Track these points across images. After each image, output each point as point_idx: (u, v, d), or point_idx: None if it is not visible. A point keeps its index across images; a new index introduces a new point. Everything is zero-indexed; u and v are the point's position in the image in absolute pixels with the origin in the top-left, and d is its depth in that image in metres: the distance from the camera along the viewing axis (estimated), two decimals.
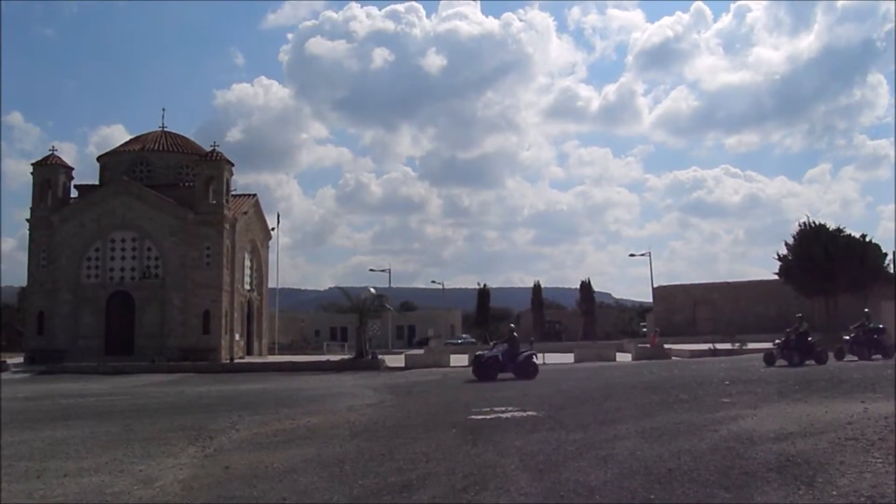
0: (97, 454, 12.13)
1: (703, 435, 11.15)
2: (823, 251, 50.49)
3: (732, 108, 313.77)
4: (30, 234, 52.60)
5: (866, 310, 32.24)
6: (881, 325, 30.79)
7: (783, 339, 29.12)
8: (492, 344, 30.79)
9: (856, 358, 28.85)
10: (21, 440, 14.06)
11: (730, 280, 74.35)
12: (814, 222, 54.56)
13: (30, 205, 52.82)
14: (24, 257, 53.52)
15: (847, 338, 30.81)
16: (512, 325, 31.26)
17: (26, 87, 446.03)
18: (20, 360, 49.49)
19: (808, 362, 27.47)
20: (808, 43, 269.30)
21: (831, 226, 54.25)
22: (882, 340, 30.11)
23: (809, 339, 28.84)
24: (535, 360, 29.26)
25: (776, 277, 56.82)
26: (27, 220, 52.73)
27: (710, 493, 7.89)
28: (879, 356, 28.78)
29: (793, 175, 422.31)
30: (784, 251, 54.67)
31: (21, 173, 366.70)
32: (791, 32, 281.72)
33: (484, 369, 28.11)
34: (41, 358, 46.80)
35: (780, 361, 27.72)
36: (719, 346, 42.52)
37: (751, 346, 42.13)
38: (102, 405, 21.95)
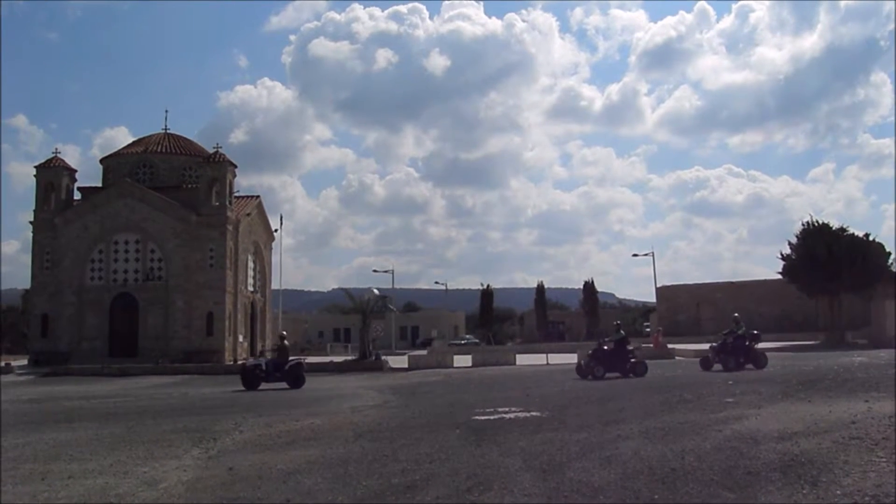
0: (101, 456, 12.14)
1: (706, 435, 11.15)
2: (827, 250, 50.38)
3: (736, 108, 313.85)
4: (33, 237, 52.64)
5: (735, 314, 31.37)
6: (755, 332, 28.91)
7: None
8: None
9: (721, 367, 27.34)
10: (25, 442, 14.08)
11: (733, 280, 74.38)
12: (817, 221, 54.47)
13: (33, 207, 52.89)
14: (27, 260, 53.63)
15: (713, 345, 29.16)
16: (283, 332, 30.98)
17: (30, 90, 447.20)
18: (24, 362, 49.57)
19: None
20: (811, 42, 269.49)
21: (835, 225, 54.15)
22: (753, 348, 28.34)
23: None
24: (303, 368, 29.14)
25: (780, 277, 56.73)
26: (31, 222, 52.79)
27: (714, 492, 7.88)
28: (751, 366, 27.26)
29: (796, 174, 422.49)
30: (787, 251, 54.58)
31: (25, 176, 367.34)
32: (794, 32, 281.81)
33: (248, 378, 28.22)
34: (45, 360, 46.87)
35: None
36: None
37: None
38: (106, 407, 21.97)
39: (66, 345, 49.63)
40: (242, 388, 27.21)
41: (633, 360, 27.58)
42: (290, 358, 29.43)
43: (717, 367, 27.37)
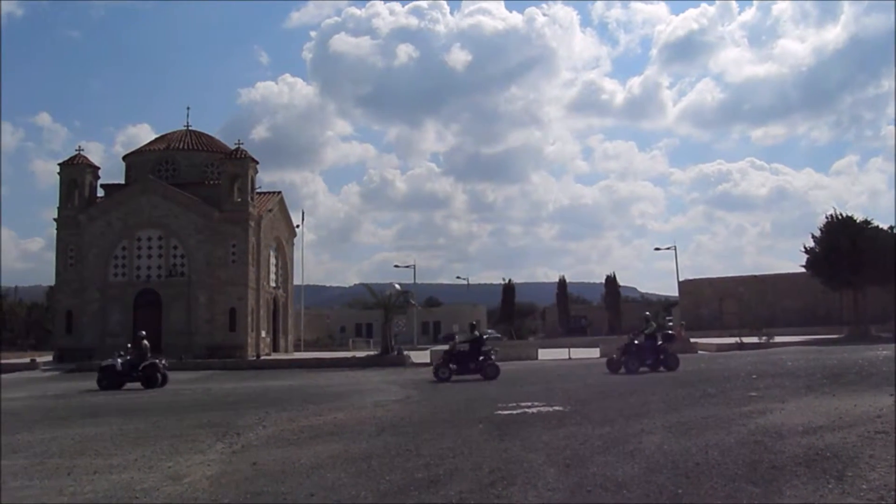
0: (126, 451, 12.21)
1: (730, 429, 11.10)
2: (851, 243, 49.98)
3: (758, 101, 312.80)
4: (57, 234, 52.97)
5: (647, 312, 30.66)
6: (670, 331, 28.27)
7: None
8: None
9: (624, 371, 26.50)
10: (52, 437, 14.19)
11: (756, 273, 73.90)
12: (841, 214, 54.00)
13: (57, 204, 53.23)
14: (52, 257, 53.96)
15: (621, 346, 28.23)
16: (142, 333, 30.93)
17: (54, 88, 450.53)
18: (49, 358, 49.94)
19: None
20: (834, 34, 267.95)
21: (859, 218, 53.68)
22: (665, 348, 27.38)
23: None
24: (158, 369, 28.85)
25: (803, 270, 56.35)
26: (55, 219, 53.12)
27: (739, 487, 7.85)
28: (663, 369, 26.32)
29: (820, 167, 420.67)
30: (811, 244, 54.19)
31: (49, 173, 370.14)
32: (817, 24, 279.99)
33: (106, 379, 28.14)
34: (70, 356, 47.18)
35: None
36: (746, 339, 42.24)
37: (778, 339, 41.86)
38: (131, 402, 22.11)
39: (90, 341, 49.91)
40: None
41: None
42: (152, 358, 29.27)
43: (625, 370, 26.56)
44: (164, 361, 29.91)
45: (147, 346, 29.53)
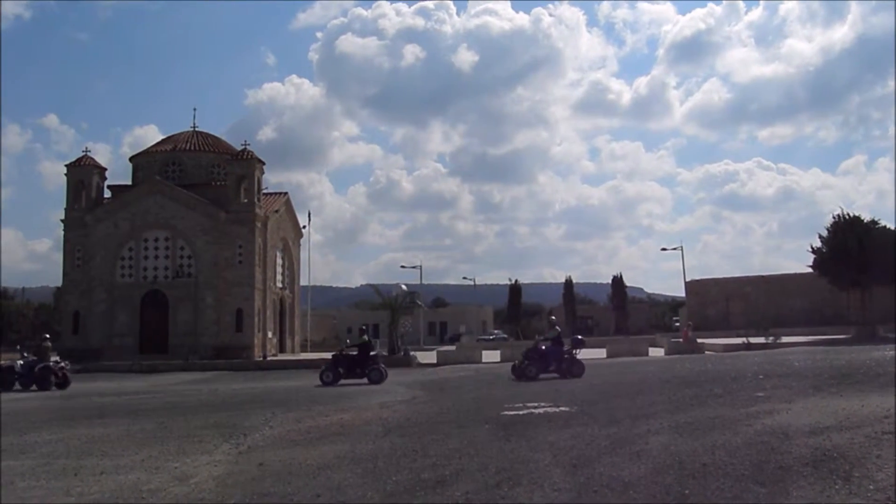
0: (133, 452, 12.24)
1: (737, 429, 11.07)
2: (858, 243, 49.84)
3: (765, 101, 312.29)
4: (65, 235, 53.19)
5: (552, 317, 30.49)
6: (579, 337, 27.97)
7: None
8: None
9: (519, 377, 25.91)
10: (58, 438, 14.22)
11: (763, 273, 73.78)
12: (848, 214, 53.85)
13: (64, 205, 53.38)
14: (59, 257, 54.20)
15: (524, 351, 27.70)
16: (46, 335, 30.78)
17: (61, 90, 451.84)
18: (56, 359, 49.98)
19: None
20: (841, 34, 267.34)
21: (866, 218, 53.54)
22: (571, 354, 26.74)
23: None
24: (52, 372, 28.87)
25: (810, 270, 56.22)
26: (62, 220, 53.30)
27: (745, 487, 7.83)
28: (557, 376, 25.68)
29: (827, 167, 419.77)
30: (818, 244, 54.05)
31: (56, 174, 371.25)
32: (824, 23, 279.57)
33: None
34: (77, 357, 47.23)
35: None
36: (753, 340, 42.13)
37: (785, 339, 41.77)
38: (137, 403, 22.15)
39: (97, 341, 50.09)
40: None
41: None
42: (52, 360, 29.30)
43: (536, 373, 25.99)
44: (64, 364, 29.90)
45: (48, 348, 29.72)
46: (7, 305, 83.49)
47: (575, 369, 26.06)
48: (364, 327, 31.78)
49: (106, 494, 9.13)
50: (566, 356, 26.57)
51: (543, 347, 26.92)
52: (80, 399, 24.66)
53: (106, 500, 8.87)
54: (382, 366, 28.34)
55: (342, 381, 27.21)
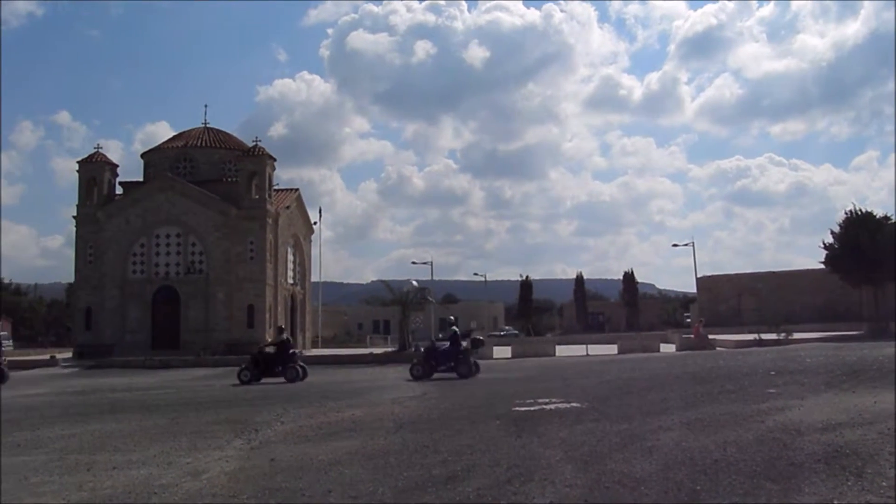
0: (145, 447, 12.27)
1: (749, 426, 11.05)
2: (871, 239, 49.63)
3: (777, 96, 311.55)
4: (76, 231, 53.36)
5: (451, 317, 30.57)
6: (479, 337, 28.32)
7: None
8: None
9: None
10: (71, 433, 14.28)
11: (775, 270, 73.53)
12: (861, 210, 53.63)
13: (76, 202, 53.56)
14: (71, 254, 54.38)
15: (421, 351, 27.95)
16: None
17: (74, 87, 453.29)
18: (69, 355, 50.28)
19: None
20: (854, 29, 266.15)
21: (879, 213, 53.30)
22: (466, 353, 26.84)
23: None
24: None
25: (822, 267, 56.00)
26: (74, 217, 53.47)
27: (757, 484, 7.81)
28: (455, 375, 26.06)
29: (839, 163, 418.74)
30: (830, 240, 53.82)
31: (68, 171, 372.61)
32: (837, 18, 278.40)
33: None
34: (89, 353, 47.52)
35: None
36: (765, 336, 42.03)
37: (797, 336, 41.65)
38: (150, 399, 22.21)
39: (109, 337, 50.26)
40: (283, 381, 27.25)
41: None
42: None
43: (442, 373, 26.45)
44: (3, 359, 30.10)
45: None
46: (20, 301, 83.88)
47: (462, 369, 26.31)
48: (282, 326, 32.00)
49: (118, 489, 9.15)
50: (460, 356, 26.73)
51: (440, 347, 27.36)
52: (92, 395, 24.75)
53: (118, 494, 8.89)
54: (301, 364, 28.44)
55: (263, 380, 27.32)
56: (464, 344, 27.15)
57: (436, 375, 26.33)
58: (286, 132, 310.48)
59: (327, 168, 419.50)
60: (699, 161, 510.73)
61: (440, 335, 28.31)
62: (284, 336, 28.89)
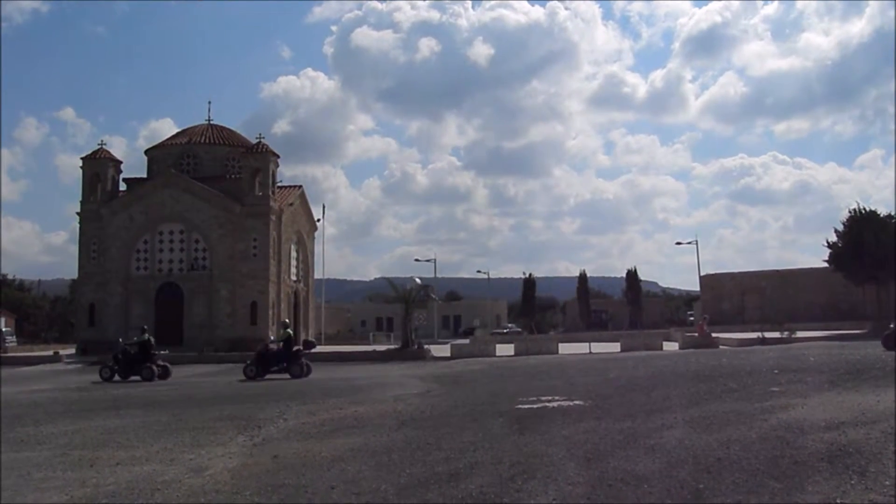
0: (148, 443, 12.29)
1: (752, 424, 11.04)
2: (874, 238, 49.59)
3: (781, 95, 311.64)
4: (80, 227, 53.41)
5: (285, 319, 31.47)
6: (311, 340, 30.76)
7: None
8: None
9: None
10: (74, 429, 14.30)
11: (779, 268, 73.48)
12: (865, 209, 53.58)
13: (80, 198, 53.60)
14: (75, 250, 54.47)
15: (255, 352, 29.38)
16: None
17: (78, 84, 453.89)
18: (72, 351, 50.33)
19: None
20: (859, 27, 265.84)
21: (883, 212, 53.25)
22: (297, 355, 28.50)
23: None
24: None
25: (826, 265, 55.96)
26: (77, 213, 53.52)
27: (760, 482, 7.80)
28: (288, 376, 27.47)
29: (843, 161, 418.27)
30: (834, 238, 53.79)
31: (73, 167, 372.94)
32: (842, 17, 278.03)
33: None
34: (92, 349, 47.52)
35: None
36: (768, 334, 42.00)
37: (800, 334, 41.62)
38: (153, 395, 22.23)
39: (112, 334, 50.24)
40: (288, 377, 27.31)
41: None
42: None
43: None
44: None
45: None
46: (23, 297, 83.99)
47: (294, 369, 27.66)
48: (145, 327, 32.49)
49: (121, 486, 9.17)
50: (292, 357, 28.12)
51: (273, 348, 28.71)
52: (95, 391, 24.77)
53: (121, 491, 8.90)
54: (160, 363, 28.97)
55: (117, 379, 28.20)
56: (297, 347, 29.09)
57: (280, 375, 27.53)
58: (290, 129, 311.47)
59: (331, 165, 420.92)
60: (703, 159, 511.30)
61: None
62: (146, 336, 29.41)
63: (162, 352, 31.36)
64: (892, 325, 28.38)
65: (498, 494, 7.87)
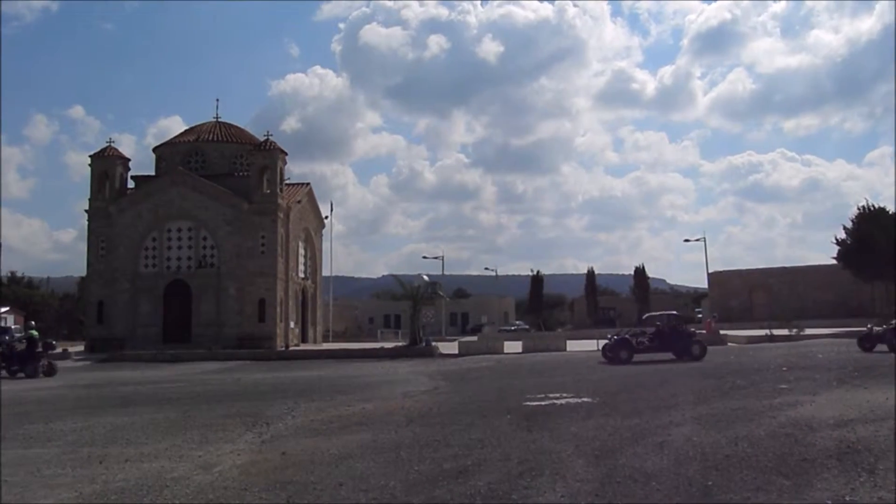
0: (157, 440, 12.32)
1: (760, 421, 11.03)
2: (883, 235, 49.44)
3: (790, 91, 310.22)
4: (89, 225, 53.41)
5: (32, 321, 31.66)
6: (50, 341, 30.91)
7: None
8: None
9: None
10: (84, 426, 14.34)
11: (787, 265, 73.30)
12: (873, 206, 53.45)
13: (89, 196, 53.64)
14: (83, 247, 54.43)
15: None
16: None
17: (88, 82, 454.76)
18: (81, 348, 50.42)
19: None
20: (868, 24, 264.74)
21: (892, 209, 53.09)
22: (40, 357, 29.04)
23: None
24: None
25: (834, 262, 55.80)
26: (86, 210, 53.55)
27: (769, 479, 7.79)
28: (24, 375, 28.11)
29: (852, 158, 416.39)
30: (842, 235, 53.65)
31: (81, 165, 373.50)
32: (852, 13, 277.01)
33: None
34: (101, 346, 47.62)
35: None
36: (776, 331, 41.85)
37: (808, 331, 41.48)
38: (161, 392, 22.27)
39: (121, 331, 50.38)
40: (291, 373, 27.27)
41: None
42: None
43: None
44: None
45: None
46: (32, 295, 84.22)
47: (28, 370, 28.24)
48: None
49: (130, 482, 9.19)
50: (32, 358, 28.60)
51: (18, 348, 29.05)
52: (104, 388, 24.83)
53: (130, 487, 8.93)
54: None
55: None
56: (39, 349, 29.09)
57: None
58: (298, 126, 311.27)
59: (339, 162, 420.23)
60: (711, 156, 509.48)
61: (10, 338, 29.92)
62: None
63: (168, 351, 31.30)
64: (868, 326, 28.16)
65: (506, 491, 7.87)
